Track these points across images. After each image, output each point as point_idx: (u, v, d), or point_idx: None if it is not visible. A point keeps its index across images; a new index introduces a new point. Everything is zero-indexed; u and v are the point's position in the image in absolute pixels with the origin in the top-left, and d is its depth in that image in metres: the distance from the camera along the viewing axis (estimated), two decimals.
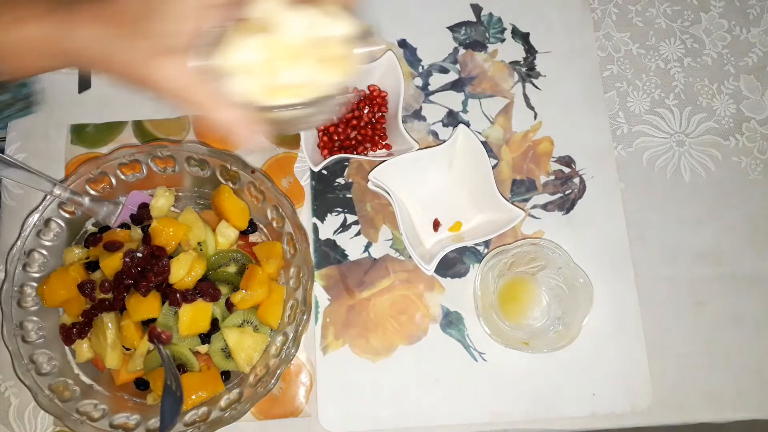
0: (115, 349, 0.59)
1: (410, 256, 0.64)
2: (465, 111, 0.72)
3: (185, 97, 0.37)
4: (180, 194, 0.66)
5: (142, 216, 0.64)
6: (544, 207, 0.69)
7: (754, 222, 0.69)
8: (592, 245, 0.67)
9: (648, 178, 0.70)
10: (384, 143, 0.68)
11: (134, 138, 0.70)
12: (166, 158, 0.63)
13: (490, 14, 0.75)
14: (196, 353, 0.60)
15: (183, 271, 0.58)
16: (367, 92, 0.70)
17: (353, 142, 0.68)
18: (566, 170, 0.70)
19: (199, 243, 0.62)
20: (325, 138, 0.68)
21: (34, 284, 0.60)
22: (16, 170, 0.58)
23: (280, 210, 0.62)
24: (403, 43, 0.74)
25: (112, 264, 0.59)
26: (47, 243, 0.62)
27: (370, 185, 0.65)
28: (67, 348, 0.61)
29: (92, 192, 0.63)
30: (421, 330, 0.65)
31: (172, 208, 0.65)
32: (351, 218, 0.68)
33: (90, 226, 0.65)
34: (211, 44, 0.36)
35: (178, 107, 0.42)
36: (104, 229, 0.64)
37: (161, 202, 0.63)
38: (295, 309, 0.59)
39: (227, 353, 0.60)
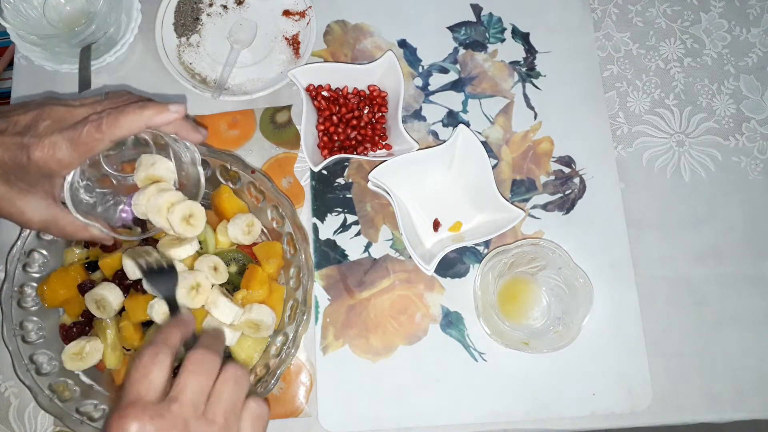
0: (115, 349, 0.59)
1: (410, 256, 0.64)
2: (465, 111, 0.72)
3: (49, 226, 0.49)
4: None
5: None
6: (544, 207, 0.69)
7: (754, 222, 0.68)
8: (592, 245, 0.67)
9: (648, 178, 0.70)
10: (384, 143, 0.68)
11: None
12: None
13: (490, 14, 0.75)
14: None
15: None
16: (367, 92, 0.70)
17: (353, 142, 0.68)
18: (566, 170, 0.70)
19: (199, 242, 0.62)
20: (325, 138, 0.68)
21: (34, 284, 0.60)
22: None
23: (280, 210, 0.62)
24: (403, 43, 0.74)
25: (111, 264, 0.59)
26: (47, 243, 0.62)
27: (370, 185, 0.65)
28: None
29: None
30: (421, 330, 0.65)
31: None
32: (351, 218, 0.68)
33: None
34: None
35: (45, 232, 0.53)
36: None
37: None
38: (295, 309, 0.59)
39: (227, 353, 0.59)
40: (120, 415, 0.36)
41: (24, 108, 0.46)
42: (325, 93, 0.69)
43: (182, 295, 0.56)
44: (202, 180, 0.54)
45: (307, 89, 0.69)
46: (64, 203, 0.49)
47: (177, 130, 0.50)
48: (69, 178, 0.48)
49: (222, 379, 0.40)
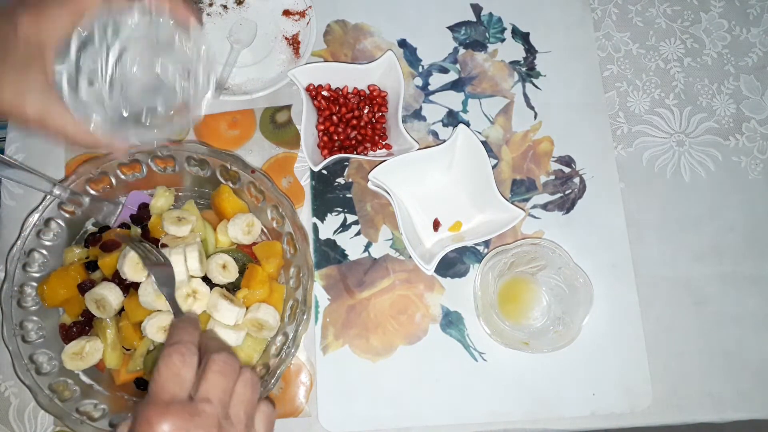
0: (115, 349, 0.59)
1: (410, 256, 0.64)
2: (465, 111, 0.72)
3: (46, 124, 0.44)
4: (180, 194, 0.66)
5: (141, 216, 0.64)
6: (544, 207, 0.69)
7: (754, 222, 0.68)
8: (592, 245, 0.67)
9: (648, 178, 0.70)
10: (384, 143, 0.68)
11: None
12: (166, 158, 0.63)
13: (490, 14, 0.75)
14: None
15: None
16: (367, 92, 0.70)
17: (353, 142, 0.68)
18: (566, 170, 0.70)
19: (200, 242, 0.62)
20: (325, 138, 0.68)
21: (34, 284, 0.60)
22: (15, 170, 0.58)
23: (280, 210, 0.62)
24: (403, 43, 0.74)
25: (110, 263, 0.59)
26: (47, 243, 0.62)
27: (370, 185, 0.65)
28: None
29: (92, 192, 0.63)
30: (421, 330, 0.65)
31: (172, 208, 0.65)
32: (351, 218, 0.68)
33: (90, 226, 0.65)
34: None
35: (41, 135, 0.47)
36: (104, 229, 0.64)
37: (161, 202, 0.63)
38: (295, 309, 0.59)
39: None
40: (159, 412, 0.37)
41: None
42: (325, 93, 0.69)
43: (180, 303, 0.56)
44: (212, 81, 0.49)
45: (307, 89, 0.69)
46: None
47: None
48: (60, 67, 0.43)
49: (242, 382, 0.42)
